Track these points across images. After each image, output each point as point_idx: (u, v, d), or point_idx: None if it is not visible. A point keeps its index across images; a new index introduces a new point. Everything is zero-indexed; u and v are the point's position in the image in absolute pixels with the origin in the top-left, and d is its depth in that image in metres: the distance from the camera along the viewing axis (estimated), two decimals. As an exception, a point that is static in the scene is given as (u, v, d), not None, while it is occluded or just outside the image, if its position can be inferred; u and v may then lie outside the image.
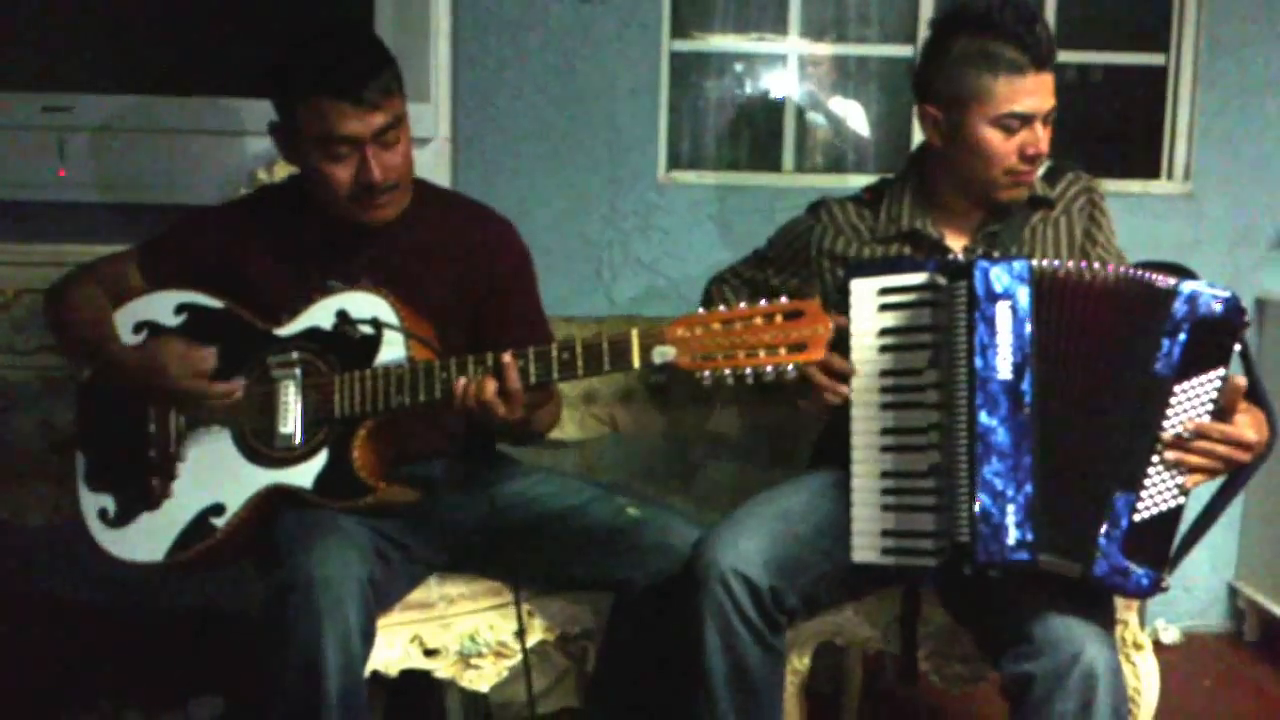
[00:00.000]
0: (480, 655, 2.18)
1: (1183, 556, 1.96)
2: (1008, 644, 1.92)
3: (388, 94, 2.04)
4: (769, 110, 3.24)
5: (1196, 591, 3.29)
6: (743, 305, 1.83)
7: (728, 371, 1.81)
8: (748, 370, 1.81)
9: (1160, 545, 1.90)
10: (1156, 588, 1.90)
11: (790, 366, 1.80)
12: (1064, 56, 3.21)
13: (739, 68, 3.25)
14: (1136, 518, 1.88)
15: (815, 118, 3.28)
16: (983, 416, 1.89)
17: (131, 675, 2.88)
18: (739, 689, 1.98)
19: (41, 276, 2.51)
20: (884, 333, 2.03)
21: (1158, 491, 1.89)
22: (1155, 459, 1.89)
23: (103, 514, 2.12)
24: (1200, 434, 1.88)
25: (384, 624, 2.07)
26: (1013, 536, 1.88)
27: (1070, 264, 1.93)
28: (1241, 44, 3.11)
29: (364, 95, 2.01)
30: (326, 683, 1.86)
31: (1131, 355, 1.90)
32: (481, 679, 2.19)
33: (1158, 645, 3.16)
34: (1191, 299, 1.87)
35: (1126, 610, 2.17)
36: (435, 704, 2.44)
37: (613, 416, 2.77)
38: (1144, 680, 2.19)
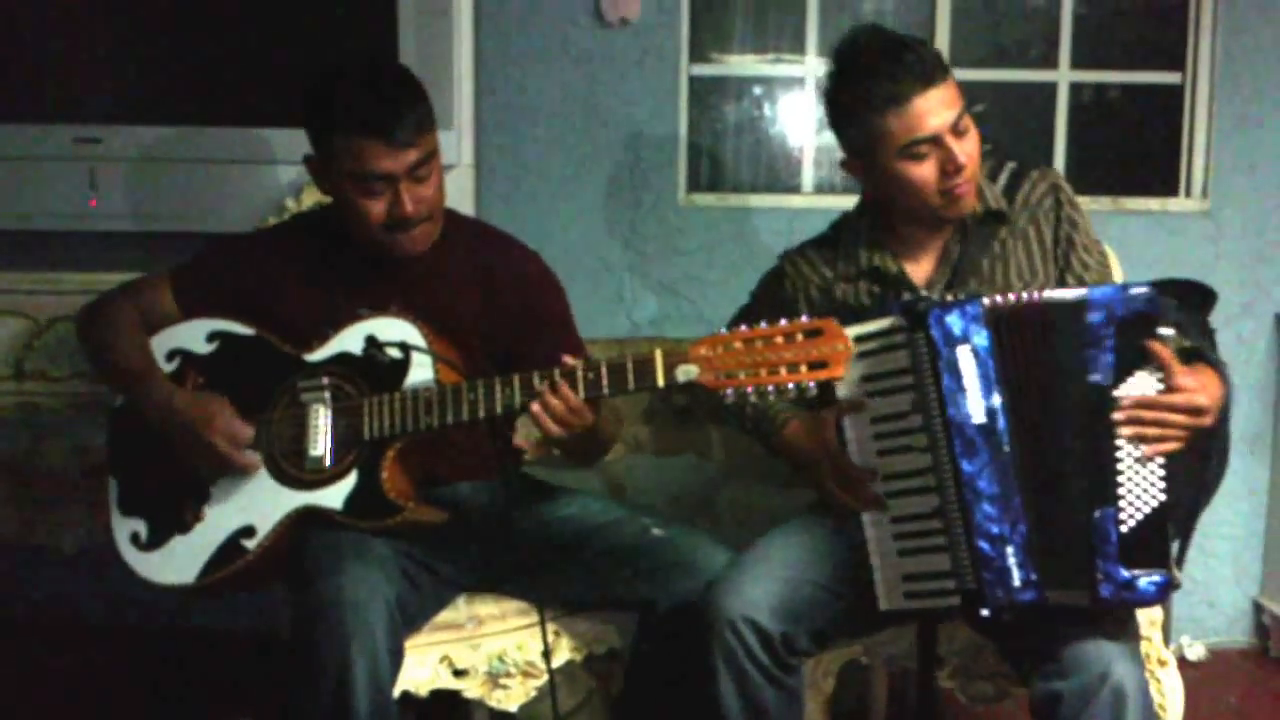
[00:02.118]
0: (509, 675, 2.20)
1: (1186, 547, 1.94)
2: (1036, 662, 1.92)
3: (420, 131, 2.07)
4: (788, 132, 3.27)
5: (1221, 607, 3.28)
6: (763, 325, 1.85)
7: (750, 389, 1.84)
8: (770, 388, 1.83)
9: (1157, 546, 1.86)
10: (1170, 588, 1.87)
11: (812, 384, 1.82)
12: (1079, 76, 3.24)
13: (757, 90, 3.28)
14: (1123, 529, 1.86)
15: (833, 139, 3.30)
16: (965, 465, 1.89)
17: (163, 697, 2.91)
18: None
19: (73, 305, 2.55)
20: (865, 379, 2.00)
21: (1135, 496, 1.87)
22: (1121, 466, 1.87)
23: (135, 538, 2.15)
24: (1146, 404, 1.86)
25: (413, 644, 2.10)
26: (1017, 578, 1.88)
27: (1013, 296, 1.91)
28: (1257, 61, 3.12)
29: (397, 134, 2.04)
30: (356, 703, 1.89)
31: (1071, 373, 1.88)
32: (510, 699, 2.21)
33: (1183, 662, 3.16)
34: (1105, 305, 1.86)
35: (1151, 627, 2.18)
36: (463, 723, 2.46)
37: (636, 437, 2.79)
38: (1169, 697, 2.19)
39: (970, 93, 3.23)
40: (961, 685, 2.20)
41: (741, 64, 3.24)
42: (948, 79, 2.06)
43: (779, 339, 1.84)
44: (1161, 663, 2.19)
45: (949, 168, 2.05)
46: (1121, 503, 1.86)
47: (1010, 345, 1.90)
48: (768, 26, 3.23)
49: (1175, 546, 1.91)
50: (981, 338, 1.89)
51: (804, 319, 1.85)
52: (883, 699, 2.65)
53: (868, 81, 2.04)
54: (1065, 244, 2.16)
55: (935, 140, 2.04)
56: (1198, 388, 1.88)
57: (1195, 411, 1.87)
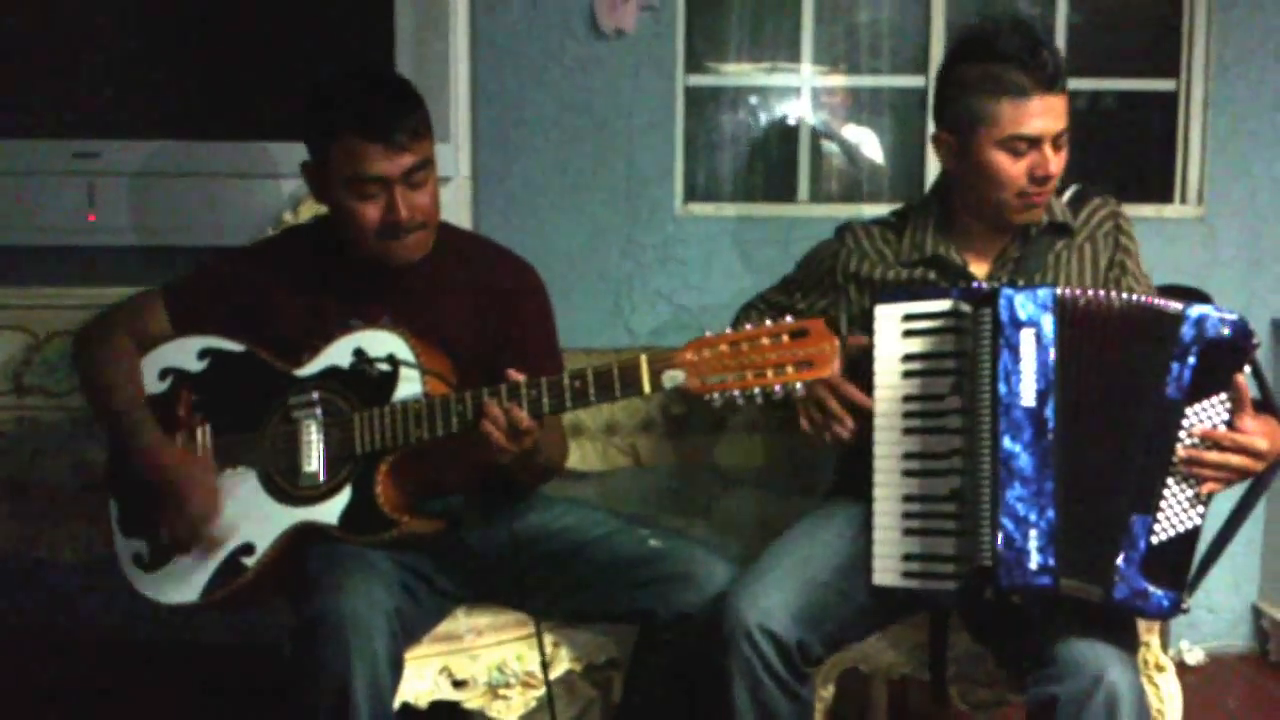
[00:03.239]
0: (508, 686, 2.20)
1: (1202, 577, 1.98)
2: (1031, 666, 1.94)
3: (417, 136, 2.09)
4: (784, 141, 3.27)
5: (1220, 612, 3.28)
6: (748, 327, 1.86)
7: (737, 393, 1.85)
8: (756, 390, 1.84)
9: (1179, 567, 1.92)
10: (1176, 609, 1.92)
11: (799, 385, 1.83)
12: (1075, 84, 3.21)
13: (753, 100, 3.29)
14: (1154, 540, 1.90)
15: (829, 148, 3.31)
16: (1006, 442, 1.92)
17: (165, 711, 2.91)
18: None
19: (73, 319, 2.56)
20: (907, 358, 2.05)
21: (1174, 513, 1.91)
22: (1170, 481, 1.91)
23: (137, 558, 2.15)
24: (1213, 442, 1.91)
25: (413, 656, 2.10)
26: (1035, 561, 1.90)
27: (1092, 292, 1.96)
28: (1251, 67, 3.13)
29: (394, 137, 2.05)
30: (357, 714, 1.89)
31: (1143, 380, 1.92)
32: (510, 710, 2.21)
33: (1182, 666, 3.16)
34: (1199, 322, 1.90)
35: (1149, 633, 2.18)
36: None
37: (634, 447, 2.79)
38: (1167, 702, 2.19)
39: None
40: (962, 692, 2.21)
41: (738, 74, 3.25)
42: (1065, 93, 2.13)
43: (765, 340, 1.85)
44: (1160, 668, 2.20)
45: (1038, 173, 2.11)
46: (1159, 515, 1.91)
47: (1075, 337, 1.93)
48: (763, 36, 3.24)
49: (1192, 573, 1.95)
50: (1049, 325, 1.92)
51: (788, 320, 1.86)
52: (883, 707, 2.65)
53: (1000, 65, 2.09)
54: (1119, 269, 2.22)
55: (1035, 143, 2.10)
56: (1262, 433, 1.93)
57: (1254, 455, 1.92)
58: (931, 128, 2.25)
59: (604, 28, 3.05)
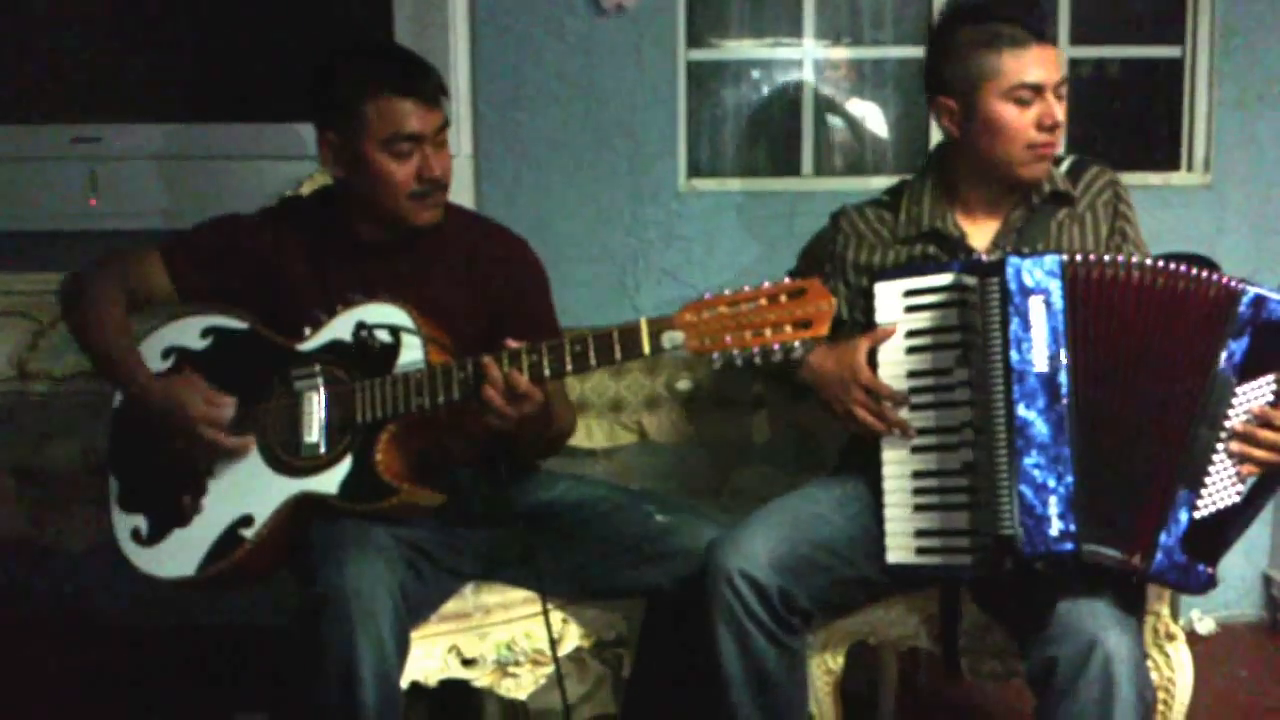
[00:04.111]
0: (517, 664, 2.20)
1: (1225, 551, 1.97)
2: (1032, 630, 1.94)
3: (442, 93, 2.17)
4: (787, 115, 3.25)
5: (1231, 581, 3.27)
6: (747, 288, 1.86)
7: (736, 352, 1.84)
8: (755, 349, 1.84)
9: (1215, 541, 1.93)
10: (1212, 584, 1.93)
11: (797, 344, 1.83)
12: (1079, 52, 3.23)
13: (755, 74, 3.27)
14: (1197, 515, 1.91)
15: (833, 120, 3.29)
16: (1021, 409, 1.91)
17: (176, 693, 2.92)
18: (759, 690, 2.00)
19: (76, 304, 2.56)
20: (911, 334, 2.05)
21: (1219, 489, 1.92)
22: (1217, 457, 1.92)
23: (135, 533, 2.16)
24: (1265, 422, 1.92)
25: (421, 634, 2.10)
26: (1056, 528, 1.90)
27: (1105, 257, 1.96)
28: (1257, 33, 3.10)
29: (428, 90, 2.12)
30: (363, 693, 1.90)
31: (1193, 353, 1.92)
32: (519, 687, 2.21)
33: (1193, 636, 3.15)
34: (1256, 302, 1.91)
35: (1159, 602, 2.17)
36: (475, 712, 2.47)
37: (640, 424, 2.79)
38: (1178, 671, 2.19)
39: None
40: (970, 664, 2.20)
41: (739, 48, 3.23)
42: (1056, 47, 2.17)
43: (763, 300, 1.85)
44: (1170, 637, 2.19)
45: (1045, 121, 2.13)
46: (1204, 491, 1.91)
47: (1090, 303, 1.93)
48: (764, 10, 3.22)
49: None
50: (1057, 291, 1.93)
51: (787, 280, 1.86)
52: (893, 679, 2.65)
53: (996, 22, 2.14)
54: (1119, 237, 2.23)
55: (1039, 90, 2.12)
56: None
57: None
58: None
59: (604, 4, 3.03)
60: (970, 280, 1.99)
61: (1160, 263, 1.96)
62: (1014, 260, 1.94)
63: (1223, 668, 3.01)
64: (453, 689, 2.23)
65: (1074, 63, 3.23)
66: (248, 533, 2.08)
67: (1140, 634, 1.98)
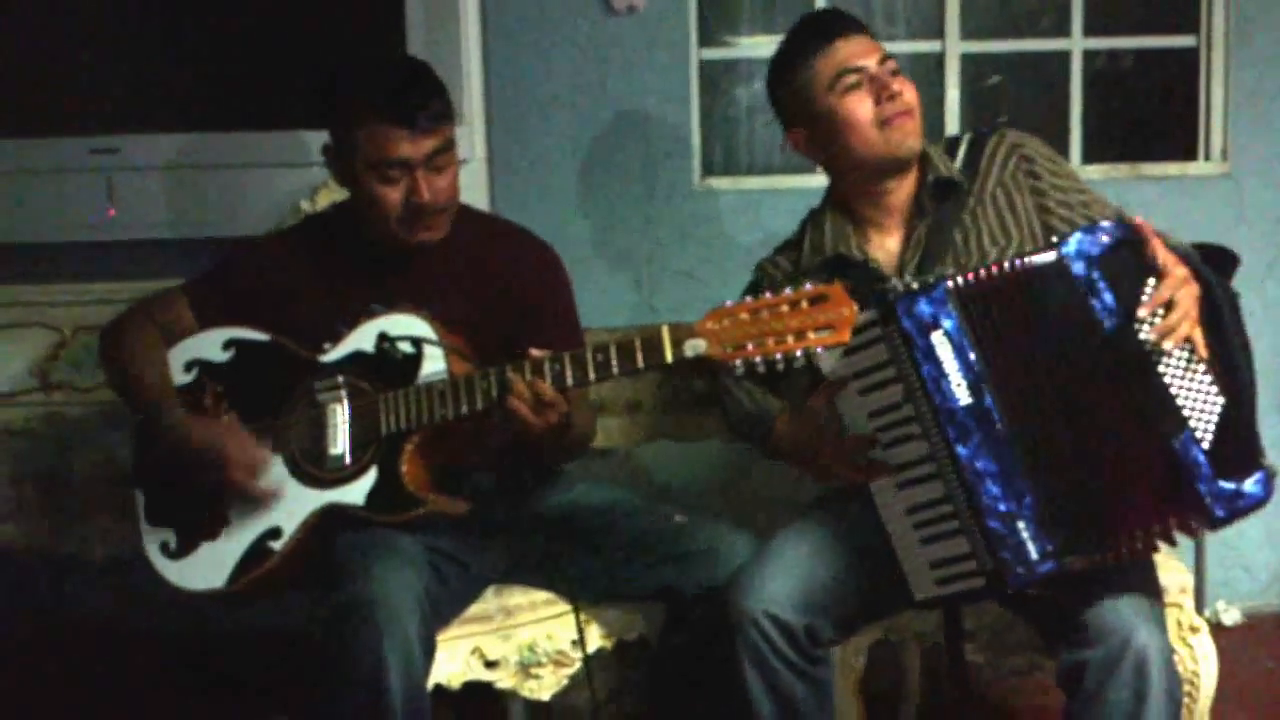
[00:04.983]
0: (540, 665, 2.21)
1: (1257, 437, 1.91)
2: (1061, 632, 1.92)
3: (439, 120, 2.11)
4: (801, 112, 3.24)
5: (1256, 571, 3.25)
6: (768, 294, 1.86)
7: (759, 359, 1.84)
8: (778, 356, 1.83)
9: (1244, 447, 1.86)
10: (1272, 477, 1.85)
11: (820, 349, 1.83)
12: (1093, 43, 3.21)
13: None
14: (1204, 445, 1.84)
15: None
16: (960, 449, 1.87)
17: (201, 701, 2.93)
18: None
19: (97, 314, 2.58)
20: (858, 375, 1.98)
21: (1199, 411, 1.85)
22: (1173, 387, 1.85)
23: (164, 547, 2.17)
24: (1165, 306, 1.86)
25: (444, 638, 2.11)
26: (1034, 551, 1.86)
27: (983, 271, 1.89)
28: (1272, 20, 3.09)
29: (417, 121, 2.08)
30: (391, 698, 1.90)
31: (1078, 331, 1.87)
32: (542, 688, 2.22)
33: (1219, 627, 3.14)
34: (1082, 254, 1.86)
35: (1182, 594, 2.17)
36: (499, 715, 2.47)
37: (658, 425, 2.79)
38: (1201, 664, 2.18)
39: (984, 65, 3.24)
40: (991, 659, 2.20)
41: (752, 46, 3.23)
42: (868, 35, 2.16)
43: (784, 307, 1.84)
44: (1194, 629, 2.18)
45: (883, 95, 2.10)
46: (1191, 422, 1.84)
47: (983, 321, 1.88)
48: (775, 6, 3.22)
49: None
50: (950, 320, 1.88)
51: (807, 286, 1.85)
52: (916, 676, 2.65)
53: (792, 42, 2.17)
54: (1040, 198, 2.16)
55: (862, 72, 2.11)
56: (1170, 262, 1.88)
57: (1184, 282, 1.86)
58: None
59: (616, 5, 3.03)
60: (874, 317, 1.92)
61: (1020, 260, 1.89)
62: (903, 302, 1.88)
63: (1248, 659, 2.99)
64: (476, 691, 2.24)
65: (1088, 54, 3.21)
66: (276, 544, 2.09)
67: (1165, 626, 1.94)
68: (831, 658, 2.09)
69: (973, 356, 1.88)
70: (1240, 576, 3.23)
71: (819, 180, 3.15)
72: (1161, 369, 1.85)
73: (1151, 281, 1.87)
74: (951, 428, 1.88)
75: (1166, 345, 1.85)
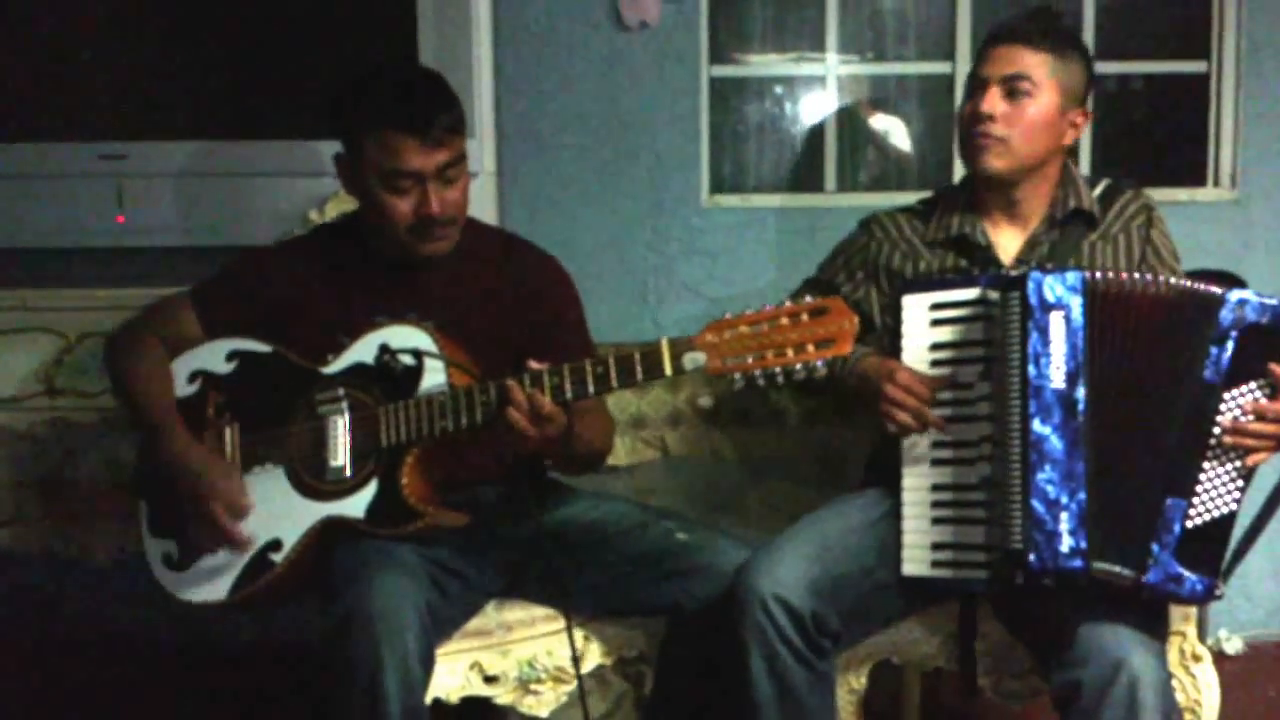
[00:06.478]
0: (539, 681, 2.20)
1: (1237, 563, 1.97)
2: (1055, 652, 1.93)
3: (452, 132, 2.11)
4: (810, 131, 3.25)
5: (1259, 600, 3.24)
6: (768, 307, 1.85)
7: (758, 373, 1.84)
8: (777, 370, 1.83)
9: (1214, 552, 1.91)
10: (1210, 595, 1.91)
11: (819, 363, 1.82)
12: (1104, 67, 3.21)
13: (778, 90, 3.27)
14: (1189, 524, 1.89)
15: (856, 137, 3.29)
16: (1036, 424, 1.91)
17: (201, 709, 2.93)
18: (789, 713, 1.99)
19: (103, 321, 2.57)
20: (935, 347, 2.06)
21: (1210, 498, 1.90)
22: (1206, 465, 1.90)
23: (167, 558, 2.17)
24: (1258, 415, 1.90)
25: (444, 652, 2.10)
26: (1066, 544, 1.89)
27: (1124, 275, 1.96)
28: (1284, 48, 3.09)
29: (430, 131, 2.08)
30: (389, 710, 1.90)
31: (1180, 362, 1.91)
32: (541, 704, 2.21)
33: (1221, 656, 3.13)
34: (1238, 306, 1.90)
35: (1185, 622, 2.16)
36: (496, 730, 2.47)
37: (662, 440, 2.79)
38: (1204, 692, 2.17)
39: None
40: (993, 682, 2.19)
41: (762, 64, 3.24)
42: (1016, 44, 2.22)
43: (784, 320, 1.84)
44: (1196, 657, 2.17)
45: (978, 112, 2.17)
46: (1195, 499, 1.90)
47: (1108, 319, 1.93)
48: (787, 25, 3.23)
49: (1227, 559, 1.94)
50: (1078, 307, 1.92)
51: (808, 299, 1.85)
52: (915, 699, 2.64)
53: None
54: (1152, 259, 2.22)
55: (985, 83, 2.21)
56: None
57: None
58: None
59: (628, 20, 3.04)
60: (994, 295, 1.99)
61: (1170, 279, 1.96)
62: (1036, 275, 1.94)
63: (1251, 688, 2.98)
64: (474, 706, 2.23)
65: (1099, 78, 3.21)
66: (277, 557, 2.09)
67: (1164, 655, 1.97)
68: (835, 660, 2.09)
69: (1082, 347, 1.92)
70: (1243, 606, 3.23)
71: (826, 199, 3.20)
72: (1212, 443, 1.91)
73: (1262, 381, 1.92)
74: (1035, 402, 1.91)
75: (1227, 440, 1.91)
